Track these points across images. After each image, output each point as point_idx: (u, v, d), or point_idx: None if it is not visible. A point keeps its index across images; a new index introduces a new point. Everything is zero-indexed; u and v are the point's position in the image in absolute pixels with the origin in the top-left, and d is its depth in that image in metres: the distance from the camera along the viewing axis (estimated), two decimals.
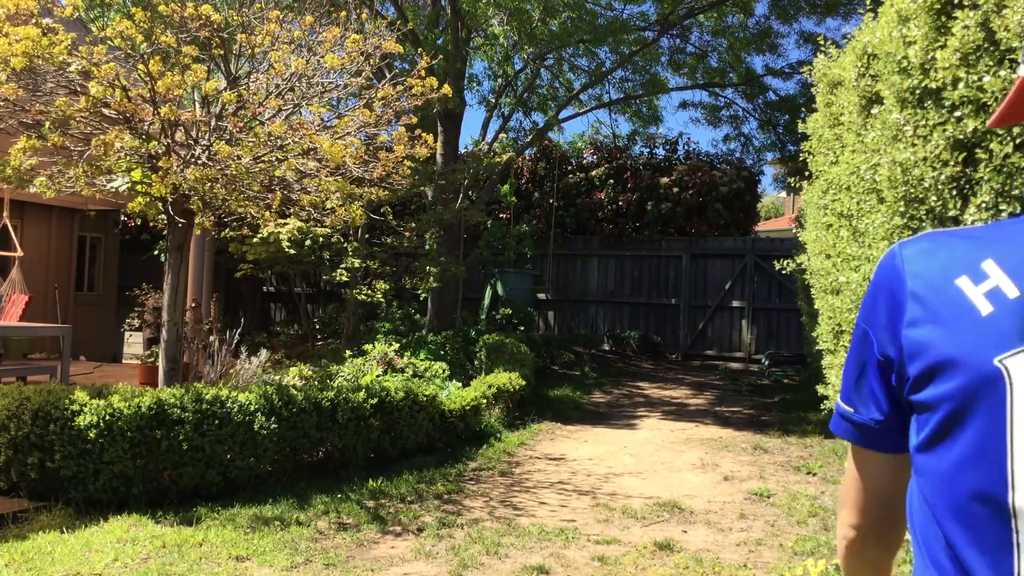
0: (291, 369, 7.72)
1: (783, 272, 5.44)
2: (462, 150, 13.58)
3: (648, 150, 16.50)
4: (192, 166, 5.41)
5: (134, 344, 11.41)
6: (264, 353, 7.97)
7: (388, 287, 10.10)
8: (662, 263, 14.76)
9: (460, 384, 8.27)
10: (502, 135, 14.07)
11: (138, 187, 5.58)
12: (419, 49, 10.62)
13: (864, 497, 1.01)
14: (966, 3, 2.28)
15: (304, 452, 5.68)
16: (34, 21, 4.90)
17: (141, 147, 5.44)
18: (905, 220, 2.56)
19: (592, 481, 6.00)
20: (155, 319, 10.73)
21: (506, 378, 8.23)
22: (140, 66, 5.17)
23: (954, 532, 0.82)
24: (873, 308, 0.93)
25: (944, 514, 0.83)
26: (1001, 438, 0.78)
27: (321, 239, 9.96)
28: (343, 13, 7.29)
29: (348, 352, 9.00)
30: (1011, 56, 2.15)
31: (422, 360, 8.82)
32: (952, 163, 2.31)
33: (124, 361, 11.50)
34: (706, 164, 15.56)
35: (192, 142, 5.66)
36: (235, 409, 5.12)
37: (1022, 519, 0.76)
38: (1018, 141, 2.14)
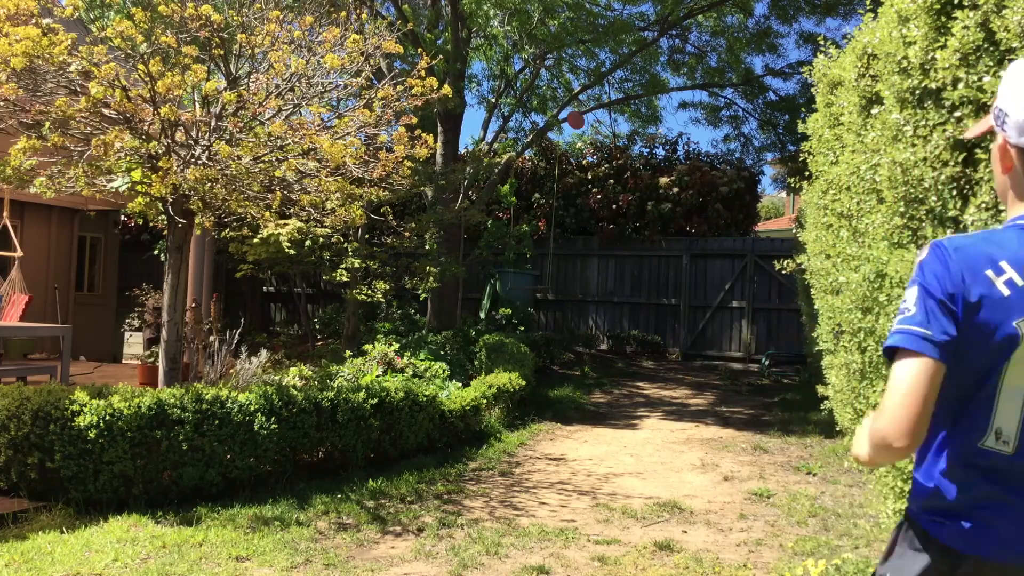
0: (291, 369, 7.72)
1: (783, 272, 5.44)
2: (462, 150, 13.57)
3: (648, 150, 16.50)
4: (192, 166, 5.41)
5: (134, 344, 11.41)
6: (264, 353, 7.97)
7: (388, 287, 10.10)
8: (662, 263, 14.76)
9: (460, 384, 8.27)
10: (502, 135, 14.07)
11: (138, 187, 5.58)
12: (419, 49, 10.63)
13: (924, 409, 1.41)
14: (966, 3, 2.28)
15: (304, 452, 5.68)
16: (34, 21, 4.90)
17: (141, 147, 5.44)
18: (905, 220, 2.56)
19: (592, 481, 6.00)
20: (155, 319, 10.73)
21: (506, 378, 8.23)
22: (140, 66, 5.17)
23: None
24: (934, 277, 1.44)
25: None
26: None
27: (321, 239, 9.96)
28: (343, 13, 7.30)
29: (348, 352, 9.00)
30: (1011, 56, 2.15)
31: (422, 360, 8.81)
32: (952, 163, 2.31)
33: (124, 361, 11.49)
34: (706, 164, 15.56)
35: (192, 142, 5.66)
36: (235, 409, 5.12)
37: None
38: None
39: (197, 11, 5.44)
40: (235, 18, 6.34)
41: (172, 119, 5.30)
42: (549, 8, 11.21)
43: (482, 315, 13.36)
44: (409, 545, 4.35)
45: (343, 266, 9.91)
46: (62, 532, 4.26)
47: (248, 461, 5.18)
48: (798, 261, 5.46)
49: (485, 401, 7.49)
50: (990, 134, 1.53)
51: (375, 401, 5.94)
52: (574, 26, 11.93)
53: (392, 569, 3.98)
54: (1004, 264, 1.41)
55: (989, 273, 1.41)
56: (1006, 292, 1.40)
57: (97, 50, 4.99)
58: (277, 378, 6.93)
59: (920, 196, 2.46)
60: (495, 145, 13.56)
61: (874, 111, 3.02)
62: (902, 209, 2.56)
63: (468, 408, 7.07)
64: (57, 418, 4.63)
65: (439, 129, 11.88)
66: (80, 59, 4.95)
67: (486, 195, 12.62)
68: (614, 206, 15.02)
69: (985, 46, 2.21)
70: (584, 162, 16.13)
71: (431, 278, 10.26)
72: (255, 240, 9.63)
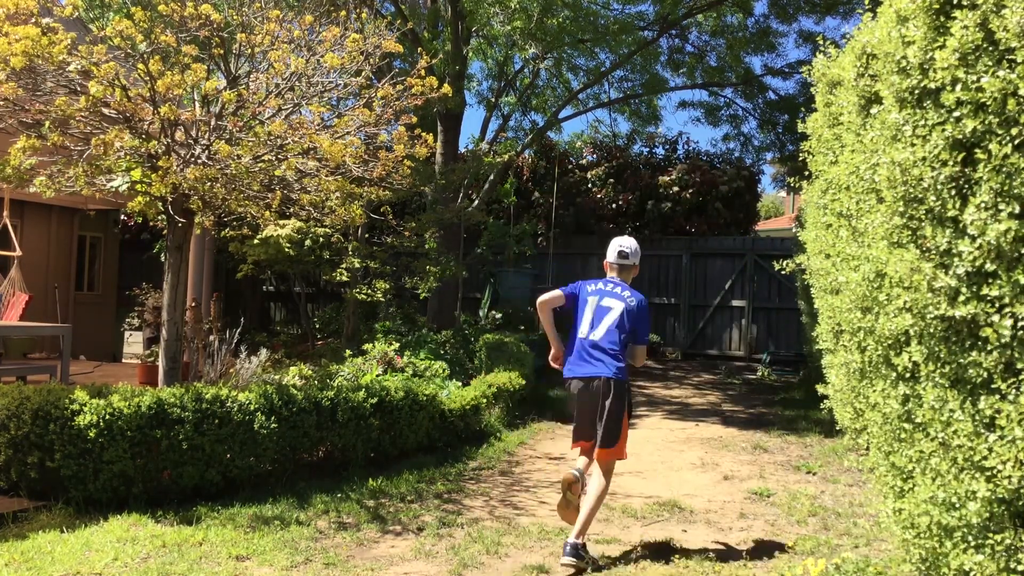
0: (291, 368, 7.73)
1: (783, 272, 5.44)
2: (462, 149, 13.57)
3: (648, 149, 16.50)
4: (192, 165, 5.41)
5: (134, 344, 11.41)
6: (264, 352, 7.98)
7: (388, 287, 10.10)
8: (662, 262, 14.77)
9: (460, 383, 8.28)
10: (502, 134, 14.07)
11: (138, 187, 5.57)
12: (419, 49, 10.62)
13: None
14: (965, 3, 2.28)
15: (304, 452, 5.68)
16: (34, 21, 4.90)
17: (141, 147, 5.44)
18: (904, 220, 2.56)
19: None
20: (155, 319, 10.73)
21: (506, 377, 8.23)
22: (140, 66, 5.18)
23: None
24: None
25: None
26: None
27: (321, 239, 9.97)
28: (343, 13, 7.30)
29: (348, 351, 9.00)
30: (1010, 56, 2.15)
31: (422, 359, 8.82)
32: (951, 163, 2.31)
33: (124, 361, 11.50)
34: (706, 163, 15.57)
35: (192, 141, 5.66)
36: (235, 408, 5.12)
37: None
38: (1017, 141, 2.14)
39: (197, 10, 5.44)
40: (235, 17, 6.34)
41: (172, 118, 5.30)
42: (549, 7, 11.21)
43: (482, 314, 13.36)
44: (409, 544, 4.35)
45: (343, 266, 9.91)
46: (62, 531, 4.26)
47: (248, 460, 5.18)
48: (798, 261, 5.46)
49: (485, 400, 7.49)
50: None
51: (375, 400, 5.95)
52: (574, 25, 11.92)
53: (392, 568, 3.99)
54: None
55: None
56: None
57: (97, 49, 4.99)
58: (277, 377, 6.93)
59: (919, 196, 2.46)
60: (495, 144, 13.55)
61: (873, 111, 3.02)
62: (901, 209, 2.56)
63: (468, 407, 7.07)
64: (57, 417, 4.64)
65: (439, 128, 11.87)
66: (80, 58, 4.95)
67: (486, 194, 12.62)
68: (614, 205, 15.03)
69: (984, 46, 2.22)
70: (584, 161, 16.13)
71: (431, 277, 10.26)
72: (255, 241, 9.63)
